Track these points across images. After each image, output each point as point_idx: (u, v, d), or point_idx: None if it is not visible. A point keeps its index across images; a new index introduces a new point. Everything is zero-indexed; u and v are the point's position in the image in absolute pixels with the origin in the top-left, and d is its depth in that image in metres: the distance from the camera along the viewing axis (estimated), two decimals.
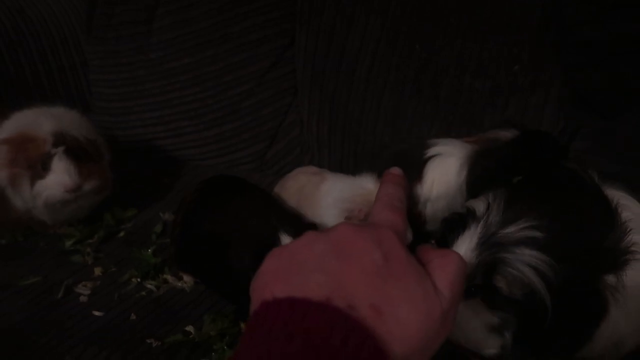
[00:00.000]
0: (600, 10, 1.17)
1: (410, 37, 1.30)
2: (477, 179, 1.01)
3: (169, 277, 1.03)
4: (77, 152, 1.11)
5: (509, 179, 0.90)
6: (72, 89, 1.56)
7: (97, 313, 0.93)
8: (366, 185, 1.03)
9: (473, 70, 1.24)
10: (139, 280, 1.03)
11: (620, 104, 1.17)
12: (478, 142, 1.08)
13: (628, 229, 0.79)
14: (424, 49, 1.28)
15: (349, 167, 1.37)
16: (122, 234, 1.19)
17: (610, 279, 0.77)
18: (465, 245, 0.74)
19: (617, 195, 0.84)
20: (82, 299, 0.97)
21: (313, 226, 0.94)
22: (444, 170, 1.06)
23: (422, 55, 1.28)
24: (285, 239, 0.86)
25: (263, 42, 1.46)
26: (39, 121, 1.12)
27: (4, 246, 1.14)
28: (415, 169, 1.05)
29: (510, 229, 0.73)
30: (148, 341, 0.86)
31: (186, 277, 1.03)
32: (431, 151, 1.08)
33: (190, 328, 0.88)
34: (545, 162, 0.98)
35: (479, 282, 0.74)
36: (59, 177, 1.09)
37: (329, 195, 1.05)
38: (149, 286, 1.01)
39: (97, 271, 1.05)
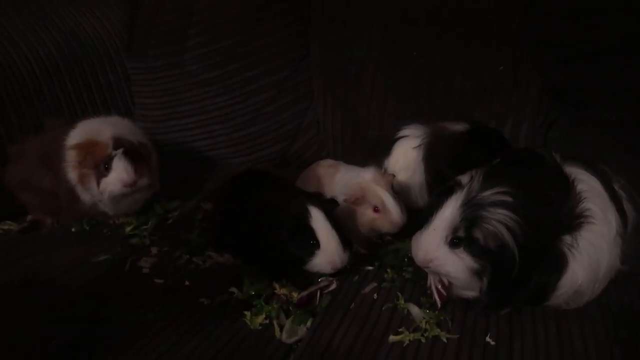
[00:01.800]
0: (574, 16, 1.36)
1: (408, 46, 1.51)
2: (431, 159, 1.28)
3: (212, 254, 1.25)
4: (133, 154, 1.32)
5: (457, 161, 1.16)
6: (118, 100, 1.80)
7: (158, 280, 1.15)
8: (364, 174, 1.23)
9: (462, 73, 1.45)
10: (188, 256, 1.24)
11: (592, 97, 1.35)
12: (434, 129, 1.33)
13: (582, 198, 0.99)
14: (419, 56, 1.49)
15: (359, 159, 1.58)
16: (170, 221, 1.42)
17: (568, 238, 0.97)
18: (452, 205, 0.95)
19: (576, 172, 1.04)
20: (145, 270, 1.20)
21: (334, 201, 1.14)
22: (406, 149, 1.33)
23: (418, 61, 1.49)
24: (314, 210, 1.07)
25: (282, 54, 1.69)
26: (101, 128, 1.33)
27: (75, 233, 1.37)
28: (387, 148, 1.33)
29: (487, 193, 0.94)
30: (201, 300, 1.08)
31: (227, 255, 1.25)
32: (399, 134, 1.34)
33: (233, 289, 1.10)
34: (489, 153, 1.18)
35: (462, 235, 0.95)
36: (119, 175, 1.30)
37: (339, 183, 1.26)
38: (196, 261, 1.23)
39: (154, 250, 1.27)
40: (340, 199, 1.20)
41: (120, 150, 1.30)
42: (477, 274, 0.95)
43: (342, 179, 1.26)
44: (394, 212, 1.18)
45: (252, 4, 1.68)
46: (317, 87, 1.68)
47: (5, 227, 1.41)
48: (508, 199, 0.93)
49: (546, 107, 1.40)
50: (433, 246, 0.97)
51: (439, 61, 1.46)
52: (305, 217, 1.07)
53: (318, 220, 1.07)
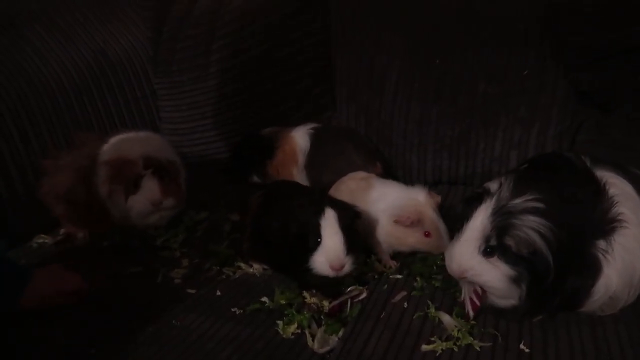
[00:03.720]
0: (599, 17, 1.35)
1: (430, 53, 1.51)
2: None
3: (242, 265, 1.27)
4: (161, 173, 1.34)
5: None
6: (145, 114, 1.83)
7: (190, 291, 1.17)
8: (417, 196, 1.20)
9: (486, 77, 1.44)
10: (218, 267, 1.26)
11: (617, 100, 1.34)
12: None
13: (615, 202, 0.98)
14: (442, 62, 1.49)
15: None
16: (199, 232, 1.43)
17: (601, 243, 0.96)
18: (482, 214, 0.95)
19: (607, 175, 1.03)
20: (177, 281, 1.22)
21: (357, 212, 1.15)
22: None
23: (441, 67, 1.50)
24: (329, 211, 1.07)
25: (304, 64, 1.71)
26: (132, 146, 1.36)
27: (107, 246, 1.40)
28: None
29: (517, 201, 0.93)
30: (233, 309, 1.10)
31: (256, 265, 1.26)
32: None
33: (265, 299, 1.11)
34: None
35: (494, 243, 0.94)
36: (147, 194, 1.33)
37: (382, 201, 1.23)
38: (226, 272, 1.25)
39: (185, 262, 1.29)
40: (388, 219, 1.20)
41: (149, 171, 1.32)
42: (515, 281, 0.93)
43: (385, 197, 1.23)
44: (446, 240, 1.16)
45: (278, 14, 1.70)
46: (339, 95, 1.69)
47: (40, 240, 1.45)
48: (539, 205, 0.92)
49: (573, 110, 1.39)
50: (466, 257, 0.96)
51: (462, 66, 1.47)
52: (317, 215, 1.08)
53: (328, 219, 1.07)
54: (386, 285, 1.15)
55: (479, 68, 1.45)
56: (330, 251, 1.07)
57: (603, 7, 1.33)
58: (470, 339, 0.96)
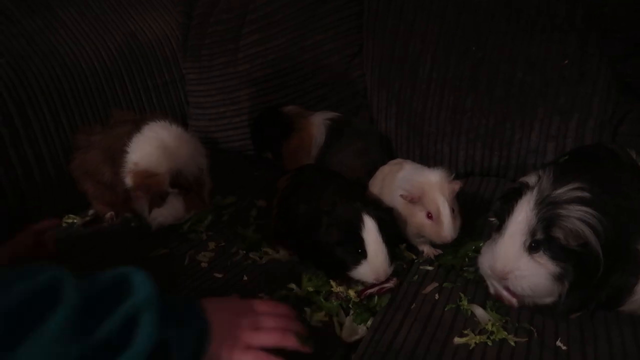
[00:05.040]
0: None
1: (466, 39, 1.46)
2: None
3: (268, 250, 1.25)
4: (187, 189, 1.30)
5: None
6: (173, 99, 1.83)
7: (217, 275, 1.16)
8: (430, 175, 1.15)
9: (524, 66, 1.39)
10: (244, 252, 1.25)
11: None
12: None
13: None
14: (478, 49, 1.44)
15: (415, 156, 1.55)
16: (225, 217, 1.42)
17: None
18: (525, 207, 0.90)
19: None
20: (203, 265, 1.21)
21: (390, 210, 1.12)
22: None
23: (477, 54, 1.44)
24: (368, 220, 1.05)
25: (334, 52, 1.67)
26: (161, 157, 1.28)
27: (135, 228, 1.40)
28: None
29: (561, 190, 0.88)
30: (260, 295, 1.08)
31: (282, 251, 1.25)
32: None
33: (292, 285, 1.09)
34: None
35: (540, 237, 0.89)
36: (172, 211, 1.30)
37: (400, 179, 1.22)
38: (252, 257, 1.23)
39: (211, 245, 1.28)
40: (397, 192, 1.16)
41: (176, 190, 1.29)
42: (559, 278, 0.89)
43: (405, 175, 1.21)
44: (446, 225, 1.10)
45: (308, 0, 1.68)
46: (371, 83, 1.66)
47: (69, 220, 1.46)
48: (585, 194, 0.87)
49: (615, 101, 1.33)
50: (513, 255, 0.91)
51: (499, 54, 1.41)
52: (357, 227, 1.05)
53: (370, 232, 1.04)
54: (416, 276, 1.12)
55: (517, 56, 1.39)
56: (377, 264, 1.05)
57: None
58: (504, 334, 0.93)
